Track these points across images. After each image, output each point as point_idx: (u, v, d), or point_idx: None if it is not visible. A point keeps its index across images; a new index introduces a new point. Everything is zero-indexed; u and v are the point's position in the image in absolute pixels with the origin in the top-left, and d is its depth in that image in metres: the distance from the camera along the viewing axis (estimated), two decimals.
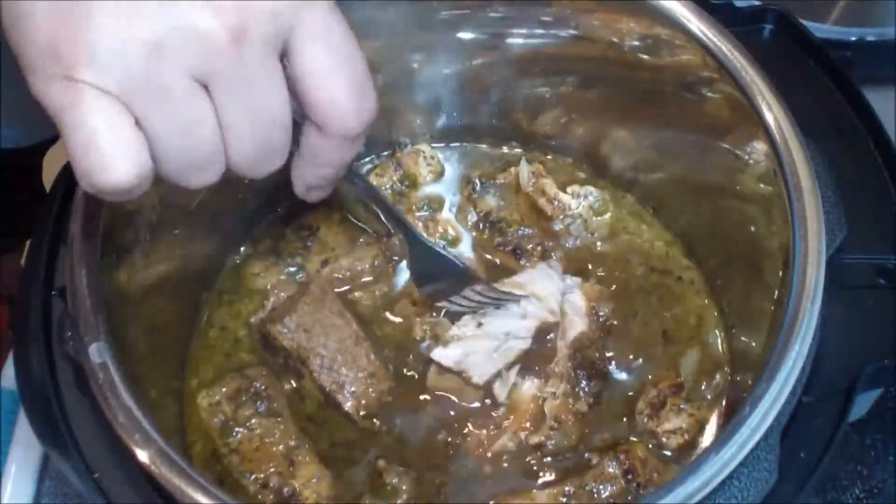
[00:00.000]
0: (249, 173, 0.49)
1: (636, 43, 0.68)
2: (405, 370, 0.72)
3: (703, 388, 0.70)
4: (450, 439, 0.68)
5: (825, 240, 0.57)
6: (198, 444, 0.68)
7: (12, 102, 0.71)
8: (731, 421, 0.51)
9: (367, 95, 0.50)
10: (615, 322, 0.73)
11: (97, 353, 0.53)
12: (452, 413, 0.70)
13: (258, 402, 0.68)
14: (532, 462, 0.67)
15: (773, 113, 0.61)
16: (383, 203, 0.68)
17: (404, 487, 0.65)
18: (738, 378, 0.70)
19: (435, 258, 0.69)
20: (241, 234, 0.79)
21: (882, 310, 0.59)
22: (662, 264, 0.77)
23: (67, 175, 0.63)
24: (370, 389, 0.70)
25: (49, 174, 0.91)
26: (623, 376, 0.71)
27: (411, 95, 0.80)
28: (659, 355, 0.72)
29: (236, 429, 0.67)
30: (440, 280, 0.70)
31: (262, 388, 0.69)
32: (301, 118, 0.51)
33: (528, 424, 0.68)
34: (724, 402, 0.69)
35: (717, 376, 0.70)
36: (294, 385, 0.71)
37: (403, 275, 0.76)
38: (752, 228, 0.67)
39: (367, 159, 0.84)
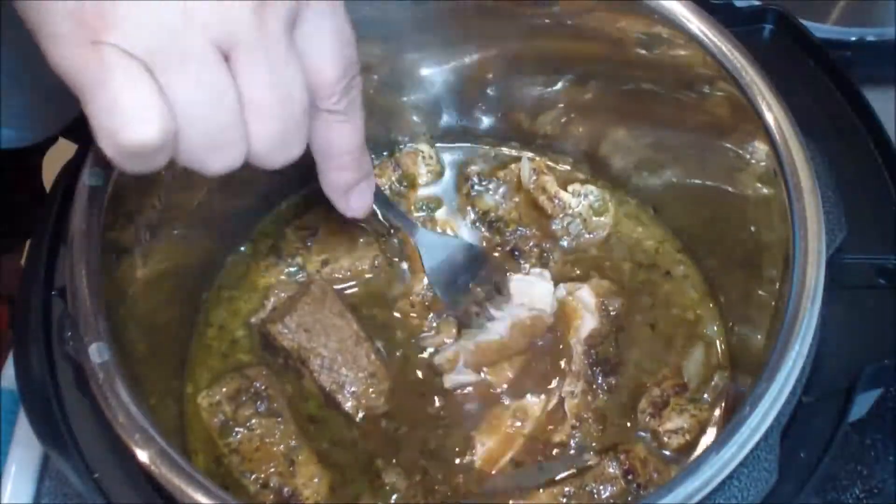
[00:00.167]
0: (268, 158, 0.48)
1: (636, 43, 0.68)
2: (405, 370, 0.72)
3: (703, 388, 0.70)
4: (449, 439, 0.68)
5: (825, 240, 0.57)
6: (197, 444, 0.68)
7: (13, 103, 0.71)
8: (731, 421, 0.51)
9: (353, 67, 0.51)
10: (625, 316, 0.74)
11: (97, 353, 0.53)
12: (453, 413, 0.70)
13: (258, 402, 0.68)
14: (533, 462, 0.67)
15: (773, 113, 0.61)
16: (385, 200, 0.67)
17: (403, 487, 0.66)
18: (738, 378, 0.70)
19: (442, 245, 0.68)
20: (241, 234, 0.79)
21: (882, 310, 0.59)
22: (662, 264, 0.77)
23: (67, 175, 0.63)
24: (370, 389, 0.70)
25: (49, 174, 0.91)
26: (625, 375, 0.71)
27: (410, 95, 0.80)
28: (660, 355, 0.72)
29: (236, 429, 0.67)
30: (456, 269, 0.69)
31: (263, 388, 0.69)
32: None
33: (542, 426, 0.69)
34: (724, 402, 0.69)
35: (717, 377, 0.70)
36: (294, 385, 0.71)
37: (404, 275, 0.76)
38: (752, 228, 0.67)
39: None
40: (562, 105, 0.79)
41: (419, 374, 0.71)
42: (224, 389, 0.68)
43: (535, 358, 0.71)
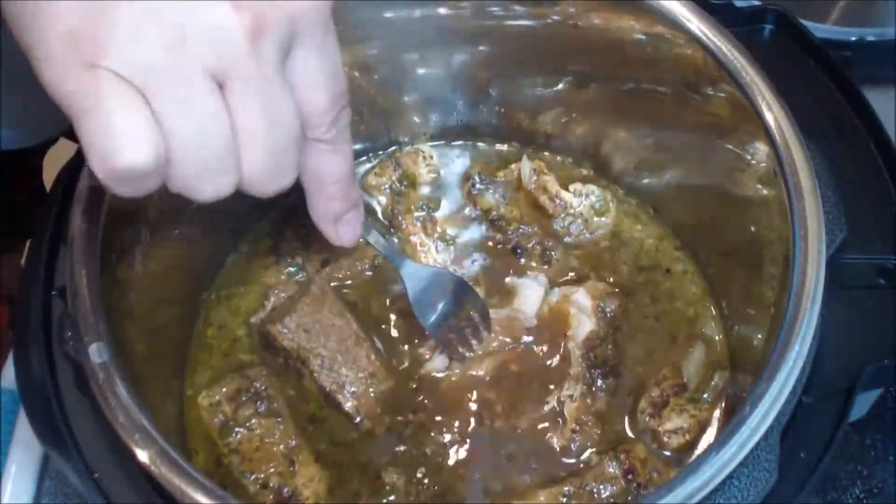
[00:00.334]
0: (260, 186, 0.48)
1: (636, 43, 0.68)
2: (405, 370, 0.72)
3: (703, 388, 0.70)
4: (449, 440, 0.68)
5: (825, 240, 0.57)
6: (197, 444, 0.68)
7: (13, 104, 0.71)
8: (731, 421, 0.51)
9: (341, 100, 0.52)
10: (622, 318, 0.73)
11: (97, 353, 0.53)
12: (452, 413, 0.70)
13: (258, 402, 0.68)
14: (532, 463, 0.67)
15: (773, 113, 0.61)
16: (372, 230, 0.68)
17: (403, 488, 0.66)
18: (738, 378, 0.70)
19: (427, 276, 0.69)
20: (240, 234, 0.79)
21: (882, 310, 0.59)
22: (662, 262, 0.77)
23: (67, 175, 0.63)
24: (370, 389, 0.70)
25: (49, 174, 0.91)
26: (624, 376, 0.71)
27: (410, 94, 0.80)
28: (661, 355, 0.72)
29: (236, 429, 0.67)
30: (440, 298, 0.70)
31: (262, 388, 0.69)
32: None
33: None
34: (724, 402, 0.69)
35: (717, 377, 0.70)
36: (294, 385, 0.71)
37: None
38: (752, 228, 0.67)
39: (365, 158, 0.84)
40: (562, 105, 0.79)
41: (419, 374, 0.71)
42: (224, 389, 0.68)
43: (534, 364, 0.71)
